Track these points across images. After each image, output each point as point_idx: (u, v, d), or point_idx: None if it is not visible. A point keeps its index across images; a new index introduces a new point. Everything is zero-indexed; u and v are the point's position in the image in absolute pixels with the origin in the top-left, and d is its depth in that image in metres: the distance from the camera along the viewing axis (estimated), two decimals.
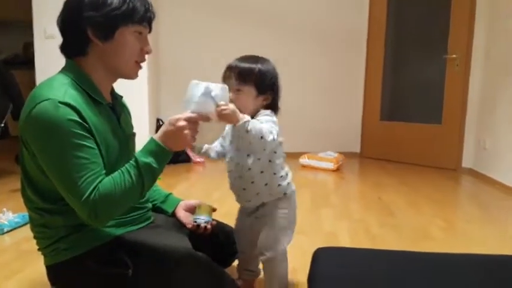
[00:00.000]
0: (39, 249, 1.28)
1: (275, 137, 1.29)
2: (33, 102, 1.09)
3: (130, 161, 1.14)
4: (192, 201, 1.56)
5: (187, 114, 1.17)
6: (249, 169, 1.40)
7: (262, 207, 1.48)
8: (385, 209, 2.78)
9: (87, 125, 1.11)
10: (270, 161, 1.41)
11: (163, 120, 4.25)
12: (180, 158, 4.12)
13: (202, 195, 3.04)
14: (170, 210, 1.54)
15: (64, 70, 1.21)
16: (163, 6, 4.37)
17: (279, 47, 4.38)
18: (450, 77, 4.09)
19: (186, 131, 1.15)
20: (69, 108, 1.08)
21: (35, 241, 1.28)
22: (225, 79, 1.38)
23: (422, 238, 2.26)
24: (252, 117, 1.33)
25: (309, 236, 2.20)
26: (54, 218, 1.19)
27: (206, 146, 1.51)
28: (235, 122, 1.22)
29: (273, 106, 1.44)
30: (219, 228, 1.57)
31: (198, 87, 1.18)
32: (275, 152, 1.42)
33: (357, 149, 4.79)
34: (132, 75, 1.26)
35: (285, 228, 1.49)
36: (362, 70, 4.67)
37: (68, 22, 1.19)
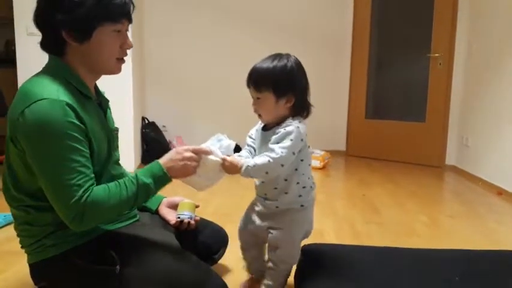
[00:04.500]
0: (22, 247, 1.26)
1: (283, 162, 1.24)
2: (27, 100, 1.06)
3: (129, 176, 1.16)
4: (175, 198, 1.57)
5: (195, 146, 1.23)
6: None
7: (280, 219, 1.36)
8: (370, 206, 2.81)
9: (83, 126, 1.10)
10: (296, 169, 1.32)
11: (149, 119, 4.21)
12: None
13: (188, 194, 3.02)
14: (154, 208, 1.53)
15: (50, 66, 1.18)
16: (148, 5, 4.33)
17: (264, 47, 4.34)
18: (433, 75, 4.15)
19: (191, 163, 1.20)
20: (67, 107, 1.06)
21: (18, 239, 1.26)
22: (248, 87, 1.33)
23: (406, 234, 2.28)
24: (279, 124, 1.30)
25: None
26: (43, 214, 1.17)
27: (237, 156, 1.36)
28: (238, 171, 1.27)
29: (299, 107, 1.32)
30: (205, 225, 1.57)
31: (227, 142, 1.33)
32: (302, 160, 1.32)
33: (343, 147, 4.82)
34: (114, 71, 1.24)
35: (299, 242, 1.40)
36: (347, 69, 4.70)
37: (42, 23, 1.15)
